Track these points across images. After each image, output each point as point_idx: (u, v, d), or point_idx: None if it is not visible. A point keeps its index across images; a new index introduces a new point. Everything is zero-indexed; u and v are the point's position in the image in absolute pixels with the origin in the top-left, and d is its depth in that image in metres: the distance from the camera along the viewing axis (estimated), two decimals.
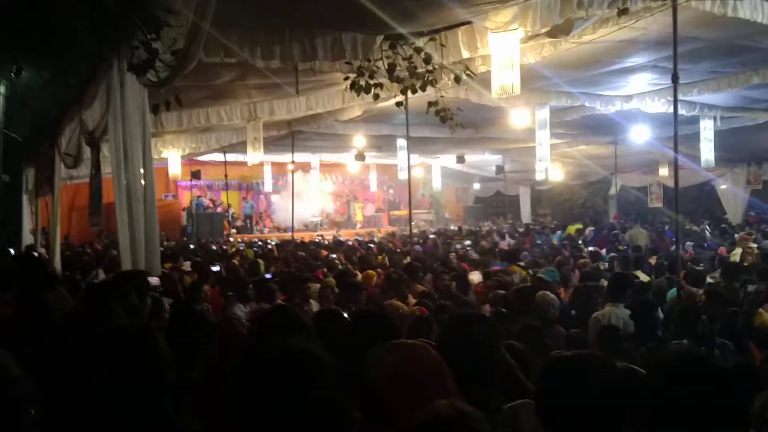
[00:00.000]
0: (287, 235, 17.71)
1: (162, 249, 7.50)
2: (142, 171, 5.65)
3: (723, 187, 18.97)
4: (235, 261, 9.95)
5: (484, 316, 3.26)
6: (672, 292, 6.23)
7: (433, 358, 1.95)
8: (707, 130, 12.63)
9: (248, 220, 22.64)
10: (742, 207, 18.68)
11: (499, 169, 20.29)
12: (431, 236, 16.53)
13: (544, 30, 6.29)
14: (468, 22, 6.14)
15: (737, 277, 7.12)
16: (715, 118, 12.37)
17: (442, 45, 6.29)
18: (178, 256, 10.89)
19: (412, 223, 11.61)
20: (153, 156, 6.38)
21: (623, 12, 5.78)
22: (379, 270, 8.19)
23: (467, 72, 6.43)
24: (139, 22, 4.14)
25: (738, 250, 9.63)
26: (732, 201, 18.85)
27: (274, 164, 20.09)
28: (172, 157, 13.99)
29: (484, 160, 20.33)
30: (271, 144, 13.48)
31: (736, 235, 13.52)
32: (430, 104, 6.50)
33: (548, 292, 5.29)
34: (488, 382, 2.32)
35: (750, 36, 7.39)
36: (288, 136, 13.25)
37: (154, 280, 5.14)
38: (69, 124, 8.83)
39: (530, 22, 5.81)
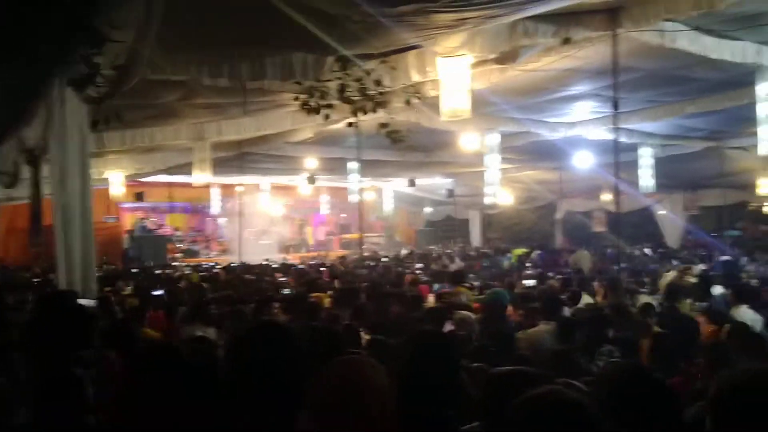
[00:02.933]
0: (235, 259, 17.39)
1: (101, 272, 7.26)
2: (79, 191, 5.47)
3: (662, 212, 19.64)
4: (180, 285, 9.69)
5: (446, 335, 3.24)
6: None
7: (372, 376, 1.91)
8: (646, 157, 13.08)
9: (194, 244, 22.19)
10: (679, 232, 19.37)
11: (450, 193, 20.52)
12: (383, 259, 16.51)
13: (492, 56, 6.43)
14: (418, 46, 6.22)
15: (678, 298, 7.32)
16: (653, 146, 12.85)
17: (393, 68, 6.35)
18: (118, 279, 10.54)
19: (364, 247, 11.63)
20: (93, 176, 6.20)
21: (566, 41, 5.99)
22: (329, 293, 8.09)
23: (416, 95, 6.50)
24: (81, 36, 4.02)
25: (670, 274, 9.94)
26: (670, 226, 19.53)
27: (222, 186, 19.80)
28: (113, 177, 13.61)
29: (435, 183, 20.56)
30: (220, 165, 13.30)
31: (674, 261, 13.98)
32: (382, 125, 6.52)
33: (466, 312, 5.32)
34: (446, 402, 2.29)
35: (687, 67, 7.72)
36: (237, 157, 13.09)
37: (89, 303, 4.94)
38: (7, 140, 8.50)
39: (479, 48, 5.94)
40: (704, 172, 15.66)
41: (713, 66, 7.37)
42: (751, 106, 7.93)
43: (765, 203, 19.46)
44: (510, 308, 6.28)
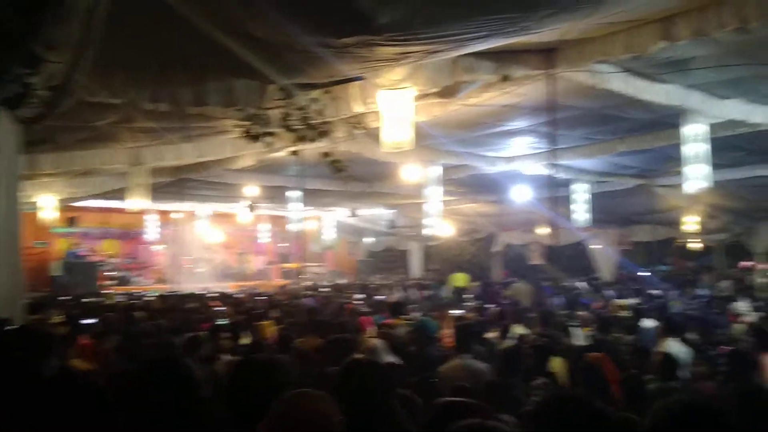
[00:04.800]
0: (171, 287, 16.92)
1: (28, 300, 6.91)
2: (5, 213, 5.21)
3: (596, 246, 20.27)
4: (110, 314, 9.30)
5: (378, 364, 3.21)
6: None
7: (326, 411, 1.88)
8: (581, 192, 13.51)
9: (128, 271, 21.46)
10: (612, 265, 20.02)
11: (391, 223, 20.65)
12: (323, 289, 16.37)
13: (434, 90, 6.55)
14: (361, 78, 6.27)
15: (610, 330, 7.53)
16: (588, 182, 13.30)
17: (336, 98, 6.38)
18: (45, 307, 10.04)
19: (304, 276, 11.48)
20: (24, 199, 5.94)
21: (506, 78, 6.17)
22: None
23: (359, 126, 6.53)
24: (15, 55, 3.89)
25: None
26: (604, 260, 20.16)
27: (159, 213, 19.30)
28: (44, 201, 13.09)
29: (376, 214, 20.65)
30: (157, 191, 12.97)
31: (605, 292, 14.39)
32: (324, 155, 6.52)
33: (375, 340, 5.34)
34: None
35: (619, 107, 8.05)
36: (176, 183, 12.81)
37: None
38: None
39: (421, 81, 6.05)
40: (635, 209, 16.27)
41: (643, 107, 7.70)
42: (678, 146, 8.31)
43: (690, 239, 20.37)
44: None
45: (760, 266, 18.90)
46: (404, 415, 2.57)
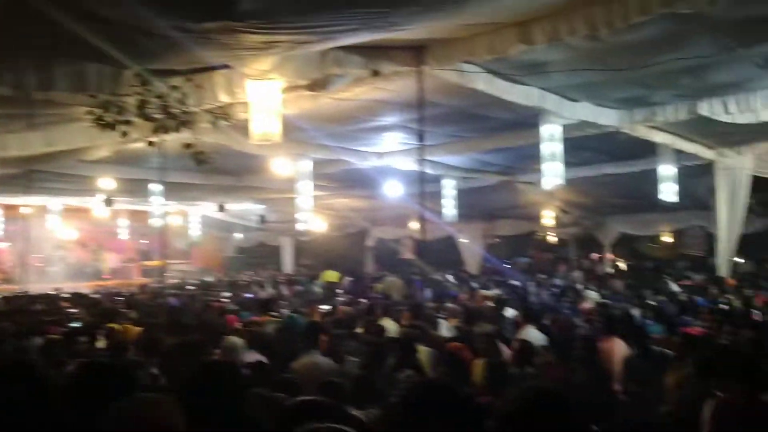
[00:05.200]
0: (19, 288, 15.53)
1: None
2: None
3: (463, 240, 21.09)
4: None
5: (231, 364, 3.10)
6: None
7: (158, 415, 1.78)
8: (449, 188, 13.96)
9: None
10: (478, 259, 20.93)
11: (262, 218, 20.21)
12: (189, 288, 15.72)
13: (303, 83, 6.43)
14: (227, 66, 6.02)
15: (475, 321, 7.82)
16: (455, 178, 13.76)
17: (199, 87, 6.08)
18: None
19: (168, 274, 10.93)
20: None
21: (375, 73, 6.19)
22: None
23: (223, 117, 6.27)
24: None
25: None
26: (470, 253, 21.03)
27: (4, 207, 17.62)
28: None
29: (246, 209, 20.09)
30: (2, 184, 11.82)
31: (471, 284, 15.00)
32: (186, 146, 6.19)
33: (235, 338, 5.29)
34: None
35: (484, 106, 8.35)
36: (23, 175, 11.72)
37: None
38: None
39: (289, 73, 5.90)
40: (499, 204, 17.08)
41: (506, 107, 8.03)
42: (537, 145, 8.77)
43: (547, 233, 21.76)
44: None
45: (608, 257, 20.59)
46: (261, 416, 2.49)
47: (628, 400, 5.57)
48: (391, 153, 11.60)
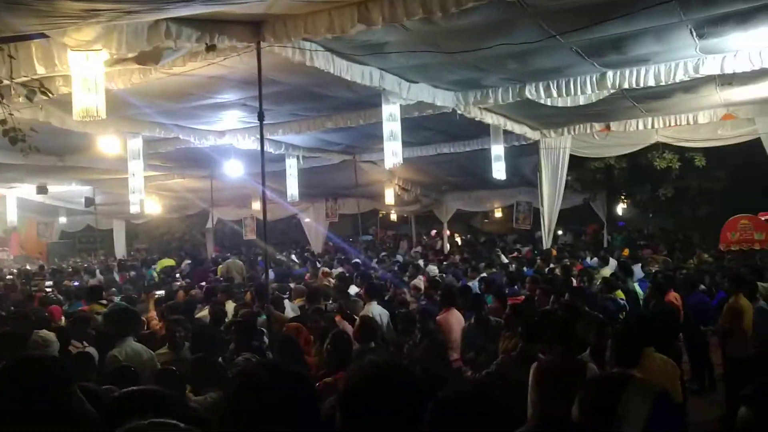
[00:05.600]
0: None
1: None
2: None
3: (307, 220, 21.11)
4: None
5: (48, 358, 2.86)
6: (262, 317, 6.53)
7: None
8: (292, 167, 13.85)
9: None
10: (322, 238, 21.09)
11: (89, 201, 18.65)
12: (8, 276, 14.25)
13: (131, 55, 5.99)
14: (42, 35, 5.44)
15: (318, 300, 7.90)
16: (298, 157, 13.68)
17: (11, 57, 5.44)
18: None
19: None
20: None
21: (211, 48, 5.92)
22: None
23: (42, 90, 5.68)
24: None
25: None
26: (314, 232, 21.12)
27: None
28: None
29: (71, 191, 18.44)
30: None
31: (317, 263, 15.10)
32: None
33: (46, 332, 4.95)
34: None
35: (324, 85, 8.33)
36: None
37: None
38: None
39: (115, 44, 5.44)
40: (342, 183, 17.26)
41: (347, 86, 8.08)
42: (379, 125, 8.94)
43: (390, 211, 22.44)
44: None
45: (446, 233, 21.69)
46: (88, 411, 2.33)
47: (465, 367, 5.94)
48: (231, 131, 11.24)
